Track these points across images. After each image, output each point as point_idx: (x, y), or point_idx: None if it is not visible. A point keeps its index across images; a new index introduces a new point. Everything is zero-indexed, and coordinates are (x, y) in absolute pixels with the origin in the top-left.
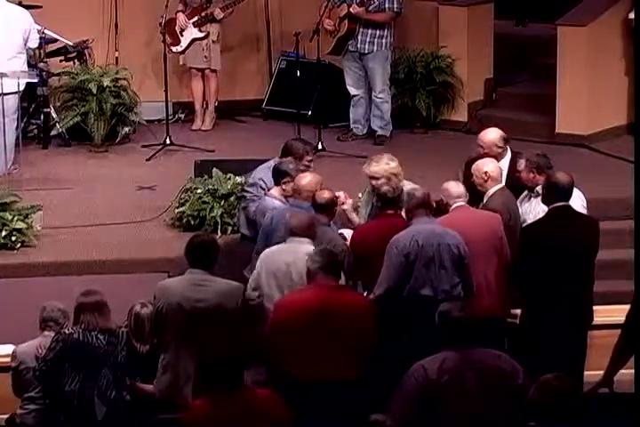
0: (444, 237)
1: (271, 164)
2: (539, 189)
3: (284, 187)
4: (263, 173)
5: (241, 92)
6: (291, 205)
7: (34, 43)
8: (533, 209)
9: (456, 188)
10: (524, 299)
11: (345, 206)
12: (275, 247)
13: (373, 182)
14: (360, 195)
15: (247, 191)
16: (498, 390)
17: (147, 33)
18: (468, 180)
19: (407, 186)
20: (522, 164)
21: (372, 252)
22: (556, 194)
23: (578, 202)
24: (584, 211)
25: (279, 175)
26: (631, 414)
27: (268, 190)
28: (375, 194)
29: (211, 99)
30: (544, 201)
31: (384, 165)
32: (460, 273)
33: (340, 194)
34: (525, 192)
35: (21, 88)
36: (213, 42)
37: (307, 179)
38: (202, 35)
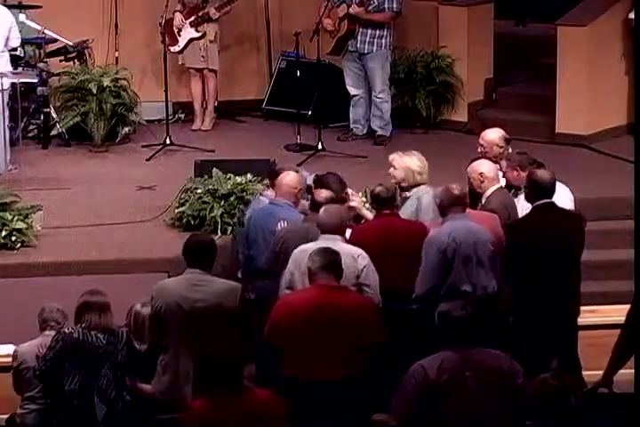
0: (479, 233)
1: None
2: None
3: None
4: None
5: (241, 92)
6: (269, 202)
7: (15, 42)
8: (521, 206)
9: None
10: (514, 296)
11: (353, 203)
12: (307, 245)
13: (390, 171)
14: (360, 194)
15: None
16: (497, 390)
17: (147, 33)
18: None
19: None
20: (504, 164)
21: (369, 251)
22: (538, 191)
23: (567, 201)
24: (572, 208)
25: (273, 177)
26: (631, 414)
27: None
28: (371, 196)
29: (210, 99)
30: (527, 199)
31: (407, 157)
32: (494, 268)
33: (348, 191)
34: (512, 190)
35: (5, 87)
36: (210, 42)
37: (289, 177)
38: (198, 35)
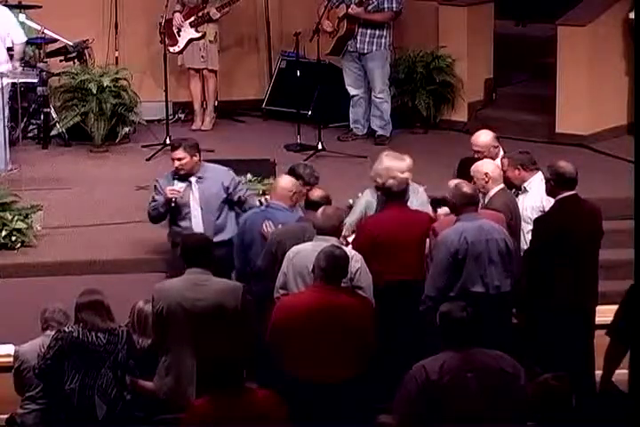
0: (491, 232)
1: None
2: (525, 185)
3: None
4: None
5: (241, 92)
6: (266, 206)
7: (19, 38)
8: (521, 206)
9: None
10: (537, 287)
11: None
12: (300, 246)
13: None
14: (360, 194)
15: None
16: (499, 391)
17: (147, 33)
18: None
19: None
20: (505, 163)
21: (383, 240)
22: (564, 183)
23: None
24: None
25: (173, 149)
26: (631, 414)
27: None
28: (378, 190)
29: (210, 99)
30: (549, 193)
31: (403, 162)
32: (509, 267)
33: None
34: (513, 190)
35: (5, 86)
36: (210, 42)
37: (284, 180)
38: (198, 35)
